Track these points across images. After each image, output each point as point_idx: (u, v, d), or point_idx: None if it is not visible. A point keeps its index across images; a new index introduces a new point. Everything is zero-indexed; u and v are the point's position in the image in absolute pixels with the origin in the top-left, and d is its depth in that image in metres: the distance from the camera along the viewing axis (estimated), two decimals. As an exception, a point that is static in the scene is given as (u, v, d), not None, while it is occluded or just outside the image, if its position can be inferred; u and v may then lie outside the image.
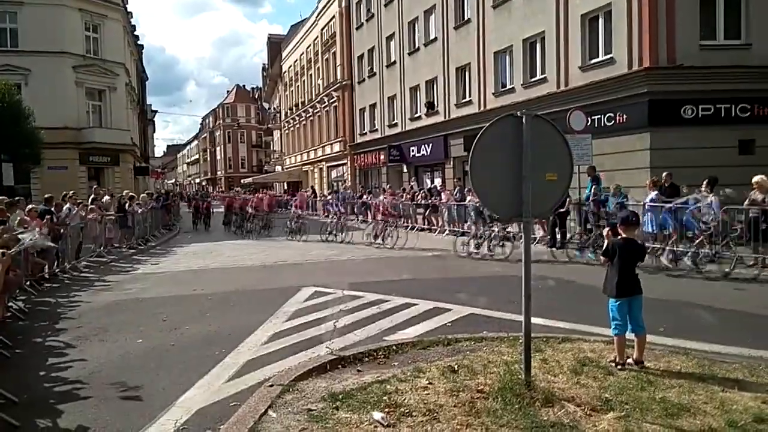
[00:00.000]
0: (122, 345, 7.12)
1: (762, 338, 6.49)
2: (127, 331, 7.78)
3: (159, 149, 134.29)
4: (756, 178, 11.47)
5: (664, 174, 13.41)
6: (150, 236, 21.28)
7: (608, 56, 16.69)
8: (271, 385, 5.12)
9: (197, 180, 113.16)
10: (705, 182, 11.91)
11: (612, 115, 16.43)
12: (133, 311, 9.32)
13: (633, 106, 15.79)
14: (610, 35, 16.68)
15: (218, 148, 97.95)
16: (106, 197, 19.03)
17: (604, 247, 5.72)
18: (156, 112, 67.65)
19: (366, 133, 35.87)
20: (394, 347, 6.23)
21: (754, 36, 15.34)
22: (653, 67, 15.29)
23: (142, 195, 23.03)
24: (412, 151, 29.22)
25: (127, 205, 18.99)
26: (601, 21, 17.12)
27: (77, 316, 8.95)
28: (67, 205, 14.79)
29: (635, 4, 15.63)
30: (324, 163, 44.19)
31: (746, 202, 11.44)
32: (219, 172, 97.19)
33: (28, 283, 10.75)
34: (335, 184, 41.19)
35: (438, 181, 26.86)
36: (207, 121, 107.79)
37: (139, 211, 19.90)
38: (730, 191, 11.91)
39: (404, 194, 23.52)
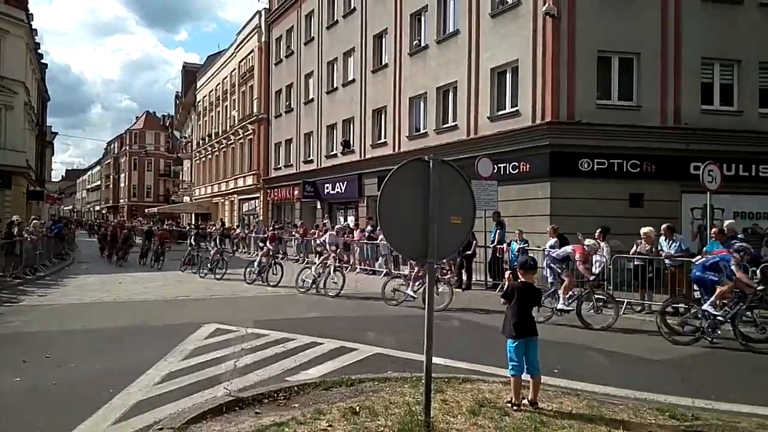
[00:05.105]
0: (-4, 384, 6.50)
1: (646, 381, 6.90)
2: (4, 368, 7.13)
3: (57, 173, 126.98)
4: (644, 230, 12.43)
5: (550, 227, 14.05)
6: (39, 265, 19.79)
7: (514, 109, 17.64)
8: (161, 429, 4.85)
9: (97, 207, 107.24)
10: (598, 231, 12.70)
11: (516, 164, 17.27)
12: (14, 346, 8.57)
13: (536, 157, 16.69)
14: (517, 89, 17.65)
15: (123, 175, 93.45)
16: (-8, 222, 17.60)
17: (503, 290, 5.96)
18: (56, 134, 63.95)
19: (281, 168, 35.58)
20: (295, 388, 6.09)
21: (643, 98, 16.70)
22: (555, 122, 16.28)
23: (33, 221, 21.45)
24: (327, 188, 29.25)
25: (15, 231, 17.62)
26: (509, 75, 18.12)
27: (-54, 352, 8.11)
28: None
29: (539, 63, 16.69)
30: (235, 195, 43.25)
31: (632, 251, 12.36)
32: (122, 200, 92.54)
33: None
34: (246, 217, 40.36)
35: (351, 219, 26.97)
36: (112, 146, 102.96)
37: (29, 238, 18.51)
38: (617, 242, 12.75)
39: (317, 231, 23.36)
